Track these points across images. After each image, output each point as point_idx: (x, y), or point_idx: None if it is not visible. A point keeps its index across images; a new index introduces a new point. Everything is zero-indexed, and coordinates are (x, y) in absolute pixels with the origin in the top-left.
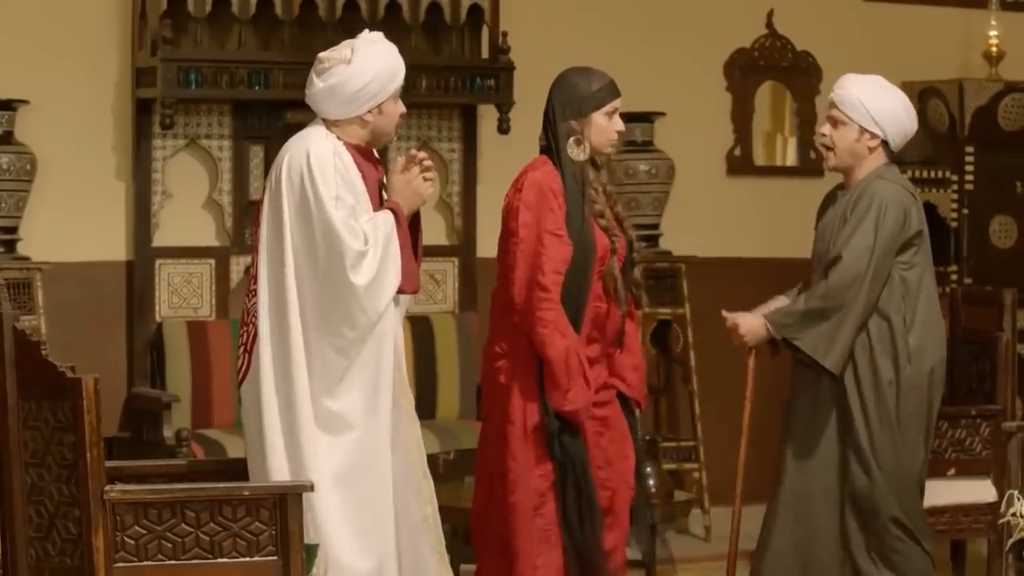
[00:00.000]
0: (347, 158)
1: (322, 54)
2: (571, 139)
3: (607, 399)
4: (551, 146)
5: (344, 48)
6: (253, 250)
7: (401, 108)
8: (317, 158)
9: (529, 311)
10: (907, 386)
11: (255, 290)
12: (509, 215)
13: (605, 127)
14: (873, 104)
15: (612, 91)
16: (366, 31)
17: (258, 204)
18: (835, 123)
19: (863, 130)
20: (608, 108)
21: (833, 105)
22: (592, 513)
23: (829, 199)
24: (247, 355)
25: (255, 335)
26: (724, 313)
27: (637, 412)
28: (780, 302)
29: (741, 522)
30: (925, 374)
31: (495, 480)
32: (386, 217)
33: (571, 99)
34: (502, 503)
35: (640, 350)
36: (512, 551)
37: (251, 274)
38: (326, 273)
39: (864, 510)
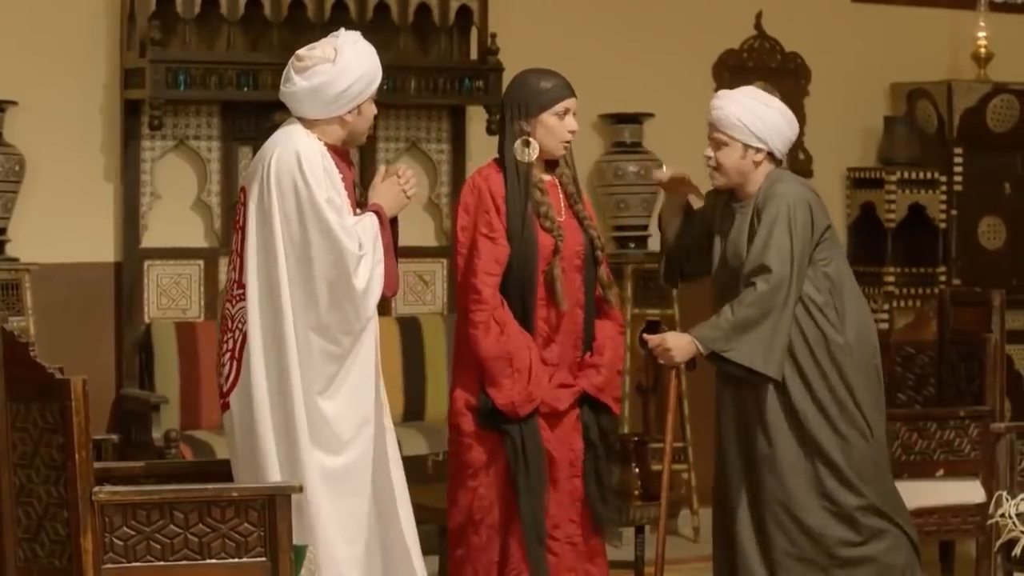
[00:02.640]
0: (330, 159)
1: (301, 52)
2: (518, 140)
3: (564, 399)
4: (500, 146)
5: (325, 47)
6: (235, 255)
7: (374, 109)
8: (308, 160)
9: (463, 313)
10: (855, 378)
11: (241, 295)
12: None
13: (554, 127)
14: (751, 120)
15: (562, 91)
16: (343, 30)
17: (237, 207)
18: (717, 145)
19: (747, 147)
20: (558, 108)
21: (712, 126)
22: (534, 488)
23: (721, 206)
24: (235, 362)
25: (243, 341)
26: (646, 336)
27: (607, 414)
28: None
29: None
30: (869, 360)
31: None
32: (372, 220)
33: (520, 99)
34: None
35: (612, 350)
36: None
37: (233, 279)
38: (329, 279)
39: (841, 509)
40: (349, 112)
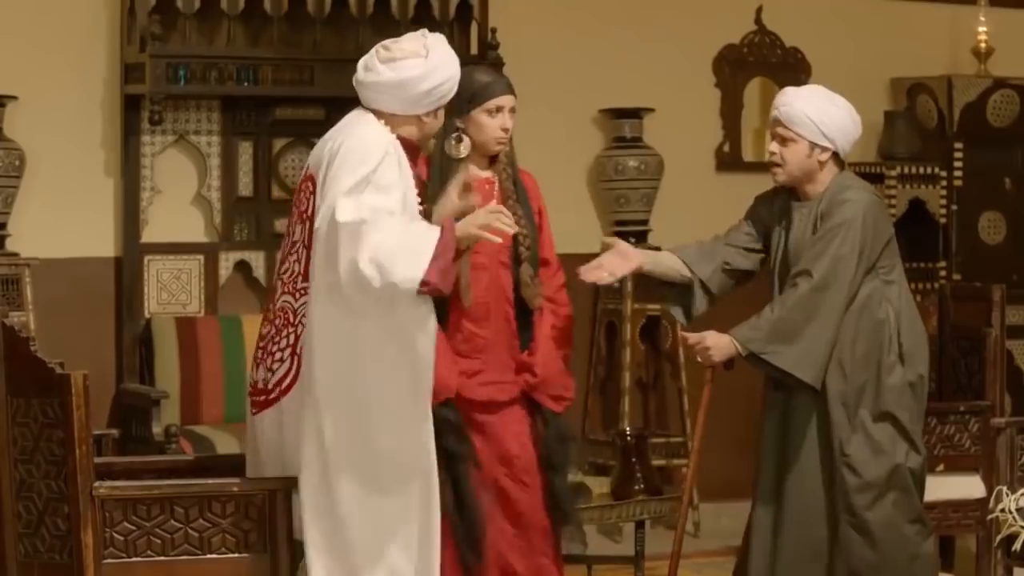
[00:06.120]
0: (403, 151)
1: (388, 43)
2: (452, 136)
3: (499, 394)
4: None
5: (414, 42)
6: (301, 246)
7: (443, 115)
8: (379, 146)
9: None
10: (903, 386)
11: (306, 288)
12: None
13: (486, 124)
14: (821, 118)
15: (494, 88)
16: (425, 30)
17: (302, 196)
18: (784, 141)
19: (814, 145)
20: (489, 105)
21: (779, 123)
22: (466, 512)
23: (773, 203)
24: (296, 358)
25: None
26: (684, 333)
27: (549, 413)
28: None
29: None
30: (916, 374)
31: None
32: (430, 228)
33: (458, 97)
34: None
35: (546, 346)
36: None
37: (297, 272)
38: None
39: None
40: (428, 113)
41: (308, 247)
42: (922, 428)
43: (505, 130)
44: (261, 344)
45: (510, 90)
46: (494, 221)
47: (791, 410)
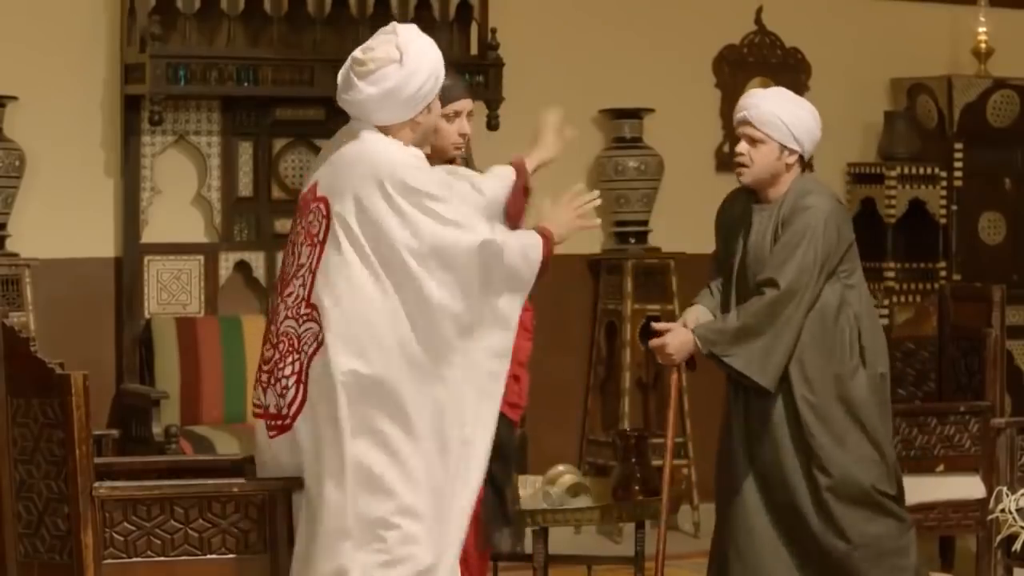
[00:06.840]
0: None
1: (359, 55)
2: None
3: None
4: None
5: (386, 46)
6: (306, 270)
7: (440, 104)
8: (408, 158)
9: None
10: (869, 386)
11: (309, 314)
12: None
13: (442, 129)
14: (791, 120)
15: (452, 92)
16: (395, 24)
17: (315, 220)
18: (753, 142)
19: (783, 147)
20: (446, 110)
21: (747, 123)
22: None
23: (734, 207)
24: (301, 385)
25: (309, 364)
26: (654, 325)
27: (509, 417)
28: (699, 311)
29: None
30: (877, 373)
31: None
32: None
33: None
34: None
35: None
36: None
37: (301, 296)
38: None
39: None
40: (420, 113)
41: (315, 273)
42: (891, 426)
43: (463, 135)
44: (266, 368)
45: (469, 94)
46: (579, 220)
47: (758, 413)
